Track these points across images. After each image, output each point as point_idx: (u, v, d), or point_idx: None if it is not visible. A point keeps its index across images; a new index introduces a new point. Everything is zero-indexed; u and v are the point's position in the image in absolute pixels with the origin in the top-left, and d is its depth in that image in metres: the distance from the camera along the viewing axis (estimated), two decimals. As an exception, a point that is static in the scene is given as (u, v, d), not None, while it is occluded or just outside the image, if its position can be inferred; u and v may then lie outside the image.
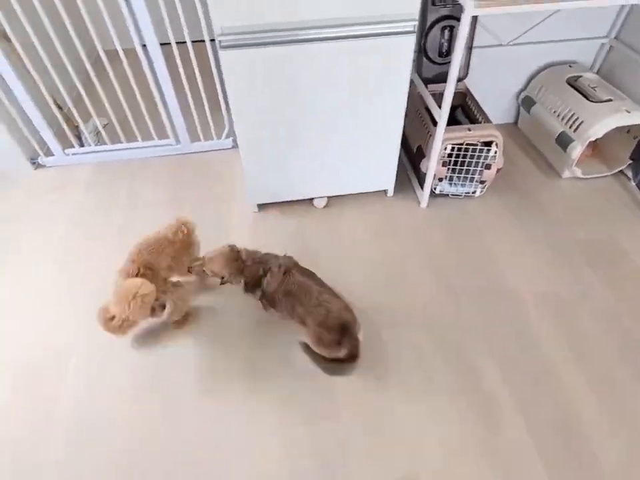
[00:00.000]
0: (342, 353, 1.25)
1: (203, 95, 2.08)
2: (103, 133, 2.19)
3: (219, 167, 2.22)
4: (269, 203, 1.95)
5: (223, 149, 2.31)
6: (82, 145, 2.25)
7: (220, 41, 1.32)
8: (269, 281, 1.36)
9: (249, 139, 1.65)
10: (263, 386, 1.40)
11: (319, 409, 1.35)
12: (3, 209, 2.02)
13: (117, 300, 1.28)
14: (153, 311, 1.39)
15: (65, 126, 2.15)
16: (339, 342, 1.25)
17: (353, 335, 1.27)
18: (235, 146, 2.30)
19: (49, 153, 2.22)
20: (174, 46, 1.88)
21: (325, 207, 1.96)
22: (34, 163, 2.23)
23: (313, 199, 1.95)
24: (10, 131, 2.07)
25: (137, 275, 1.32)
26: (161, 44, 1.89)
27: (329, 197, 1.96)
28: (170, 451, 1.27)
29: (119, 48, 1.87)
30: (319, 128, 1.65)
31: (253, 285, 1.40)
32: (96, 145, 2.23)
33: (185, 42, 1.87)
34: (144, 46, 1.88)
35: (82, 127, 2.20)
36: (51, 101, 2.06)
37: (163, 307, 1.43)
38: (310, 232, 1.87)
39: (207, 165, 2.24)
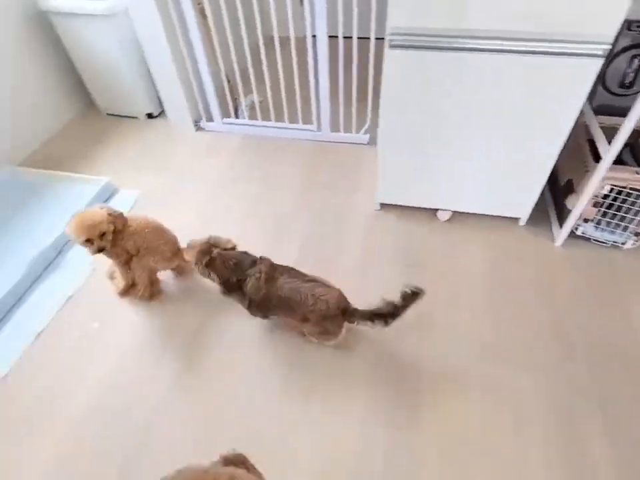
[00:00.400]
0: (343, 333, 1.40)
1: (354, 90, 2.15)
2: (258, 108, 2.40)
3: (351, 160, 2.28)
4: (392, 204, 1.96)
5: (359, 144, 2.37)
6: (237, 117, 2.50)
7: (390, 40, 1.36)
8: (255, 288, 1.35)
9: (390, 137, 1.67)
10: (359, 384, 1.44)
11: (403, 414, 1.34)
12: (174, 160, 2.37)
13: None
14: None
15: (228, 97, 2.41)
16: (340, 327, 1.38)
17: (351, 311, 1.36)
18: (371, 142, 2.35)
19: (209, 118, 2.51)
20: (340, 39, 1.98)
21: (447, 220, 1.91)
22: (196, 125, 2.55)
23: (437, 209, 1.91)
24: (185, 94, 2.40)
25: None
26: (329, 36, 2.00)
27: (453, 211, 1.90)
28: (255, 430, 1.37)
29: (292, 35, 2.03)
30: (466, 140, 1.60)
31: (229, 289, 1.40)
32: (249, 118, 2.46)
33: (351, 37, 1.95)
34: (313, 36, 2.01)
35: (241, 99, 2.44)
36: (222, 73, 2.33)
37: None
38: (425, 242, 1.84)
39: (341, 156, 2.32)
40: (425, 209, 1.93)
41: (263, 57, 2.16)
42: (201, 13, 2.16)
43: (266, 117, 2.42)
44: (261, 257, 1.43)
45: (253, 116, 2.47)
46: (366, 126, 2.30)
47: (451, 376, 1.42)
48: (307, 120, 2.36)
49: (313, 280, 1.37)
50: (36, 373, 1.50)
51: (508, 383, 1.39)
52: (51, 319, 1.65)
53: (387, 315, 1.30)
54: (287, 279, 1.37)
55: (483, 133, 1.57)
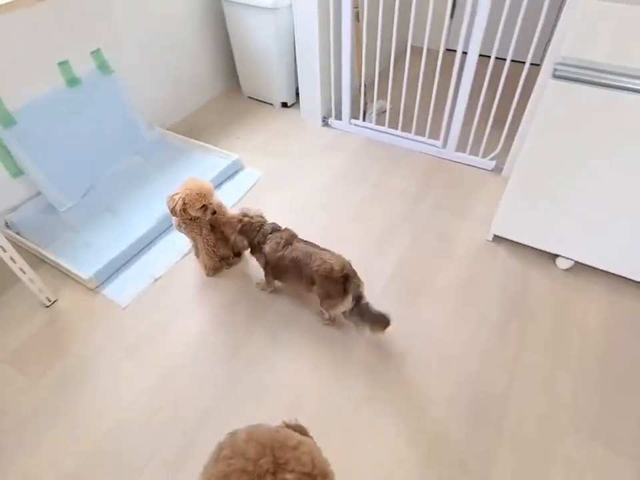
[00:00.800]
0: (348, 301, 1.42)
1: (492, 113, 2.07)
2: (387, 115, 2.42)
3: (470, 183, 2.20)
4: (506, 238, 1.85)
5: (482, 168, 2.27)
6: (364, 119, 2.55)
7: (556, 69, 1.28)
8: (273, 249, 1.52)
9: (528, 169, 1.57)
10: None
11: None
12: (297, 149, 2.50)
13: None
14: None
15: (362, 99, 2.47)
16: (344, 291, 1.40)
17: (355, 282, 1.41)
18: (496, 170, 2.24)
19: (338, 117, 2.60)
20: (492, 60, 1.91)
21: (567, 269, 1.75)
22: (324, 121, 2.65)
23: (557, 255, 1.76)
24: (322, 90, 2.51)
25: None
26: (480, 55, 1.95)
27: (577, 262, 1.73)
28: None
29: (441, 47, 2.01)
30: (613, 190, 1.45)
31: (253, 250, 1.61)
32: (375, 123, 2.50)
33: (504, 59, 1.87)
34: (464, 53, 1.96)
35: (373, 104, 2.47)
36: (363, 76, 2.39)
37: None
38: (536, 288, 1.70)
39: (460, 177, 2.25)
40: (543, 251, 1.79)
41: (406, 63, 2.16)
42: (356, 17, 2.24)
43: (393, 125, 2.43)
44: (285, 228, 1.60)
45: (380, 121, 2.49)
46: (495, 152, 2.20)
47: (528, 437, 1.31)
48: (433, 134, 2.32)
49: (326, 250, 1.48)
50: (147, 311, 1.70)
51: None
52: (167, 270, 1.85)
53: (363, 310, 1.41)
54: (302, 244, 1.51)
55: (637, 187, 1.41)
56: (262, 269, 1.66)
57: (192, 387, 1.47)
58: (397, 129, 2.42)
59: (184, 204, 1.55)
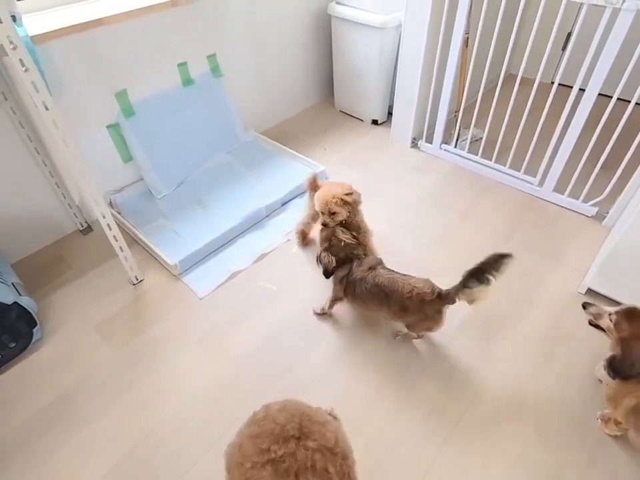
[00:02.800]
0: (443, 321, 1.43)
1: (603, 157, 1.91)
2: (482, 143, 2.33)
3: (565, 228, 2.05)
4: (601, 294, 1.69)
5: (580, 213, 2.11)
6: (456, 146, 2.48)
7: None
8: (355, 270, 1.51)
9: (636, 220, 1.43)
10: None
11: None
12: (383, 167, 2.50)
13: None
14: None
15: (458, 125, 2.41)
16: (440, 311, 1.41)
17: (450, 299, 1.36)
18: (597, 217, 2.07)
19: (429, 140, 2.55)
20: (613, 101, 1.77)
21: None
22: (414, 143, 2.62)
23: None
24: (416, 112, 2.48)
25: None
26: (599, 94, 1.81)
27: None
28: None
29: (556, 81, 1.90)
30: None
31: (337, 264, 1.54)
32: (467, 151, 2.42)
33: (629, 100, 1.73)
34: (581, 90, 1.84)
35: (469, 131, 2.40)
36: (464, 101, 2.33)
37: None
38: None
39: (553, 220, 2.10)
40: (644, 314, 1.61)
41: (513, 93, 2.07)
42: (465, 42, 2.19)
43: (486, 155, 2.34)
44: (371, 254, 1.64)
45: (472, 150, 2.41)
46: (600, 198, 2.02)
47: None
48: (530, 171, 2.20)
49: (408, 275, 1.46)
50: (223, 304, 1.78)
51: None
52: (246, 267, 1.92)
53: (476, 271, 1.28)
54: (385, 270, 1.49)
55: None
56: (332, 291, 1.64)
57: (254, 387, 1.50)
58: (490, 159, 2.33)
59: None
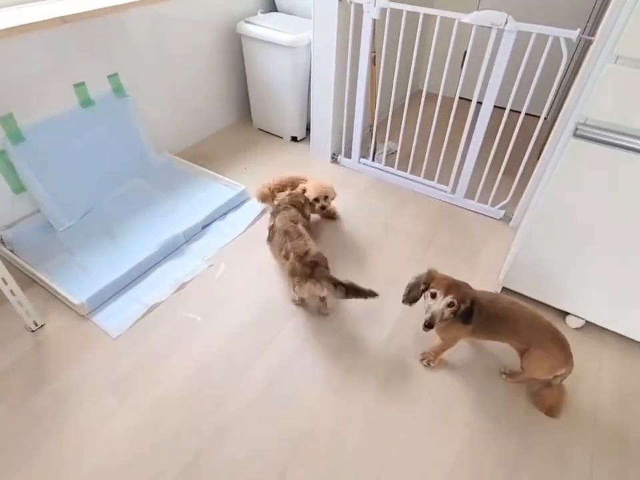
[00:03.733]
0: (310, 283, 1.54)
1: (504, 164, 2.07)
2: (397, 157, 2.42)
3: (478, 231, 2.18)
4: (515, 291, 1.80)
5: (490, 217, 2.26)
6: (373, 159, 2.55)
7: (577, 129, 1.27)
8: (278, 220, 1.78)
9: (541, 223, 1.54)
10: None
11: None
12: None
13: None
14: None
15: (374, 139, 2.48)
16: (309, 275, 1.53)
17: (322, 271, 1.55)
18: (504, 219, 2.23)
19: (347, 155, 2.60)
20: (506, 112, 1.92)
21: (576, 329, 1.70)
22: (333, 158, 2.65)
23: (567, 313, 1.71)
24: (333, 127, 2.52)
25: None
26: (495, 106, 1.96)
27: (587, 321, 1.68)
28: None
29: (456, 96, 2.03)
30: (632, 248, 1.42)
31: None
32: (384, 164, 2.50)
33: (519, 111, 1.89)
34: (479, 103, 1.98)
35: (384, 145, 2.48)
36: (376, 116, 2.41)
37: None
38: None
39: (467, 224, 2.23)
40: (552, 307, 1.74)
41: (420, 107, 2.18)
42: (372, 60, 2.28)
43: (402, 167, 2.43)
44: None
45: (389, 162, 2.49)
46: (504, 202, 2.18)
47: None
48: (442, 180, 2.32)
49: (313, 239, 1.74)
50: (140, 342, 1.62)
51: None
52: (165, 298, 1.78)
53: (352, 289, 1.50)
54: (301, 226, 1.75)
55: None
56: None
57: (180, 433, 1.37)
58: (406, 171, 2.42)
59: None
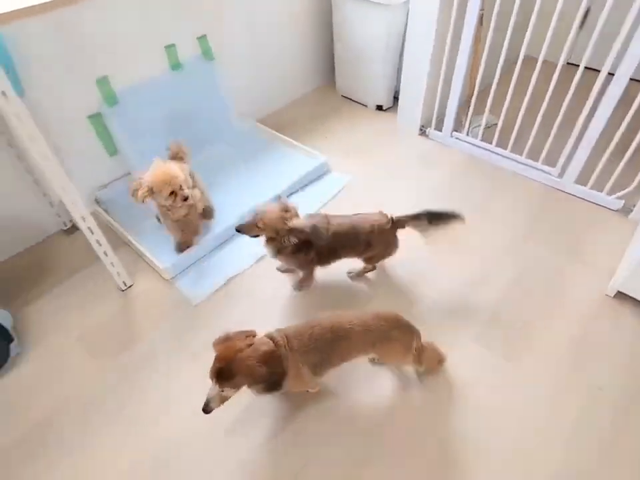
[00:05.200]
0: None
1: (632, 147, 1.75)
2: (497, 132, 2.16)
3: (587, 223, 1.90)
4: (632, 297, 1.55)
5: (603, 206, 1.96)
6: (468, 134, 2.31)
7: None
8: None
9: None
10: None
11: None
12: (389, 157, 2.32)
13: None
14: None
15: (470, 112, 2.23)
16: (395, 235, 1.57)
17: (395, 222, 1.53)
18: (623, 211, 1.92)
19: (438, 127, 2.37)
20: (646, 85, 1.60)
21: None
22: (422, 130, 2.44)
23: (701, 331, 1.44)
24: (425, 97, 2.30)
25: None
26: (631, 79, 1.64)
27: None
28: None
29: (582, 64, 1.73)
30: None
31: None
32: (480, 139, 2.25)
33: (664, 84, 1.56)
34: (610, 74, 1.67)
35: (483, 118, 2.22)
36: (477, 87, 2.15)
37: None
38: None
39: (575, 213, 1.95)
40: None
41: (534, 77, 1.89)
42: (479, 19, 2.00)
43: (501, 144, 2.17)
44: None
45: (486, 138, 2.24)
46: (625, 191, 1.87)
47: None
48: (549, 161, 2.03)
49: (357, 214, 1.57)
50: (219, 310, 1.63)
51: None
52: (244, 270, 1.77)
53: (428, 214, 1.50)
54: (339, 219, 1.53)
55: None
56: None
57: (247, 410, 1.37)
58: (505, 148, 2.16)
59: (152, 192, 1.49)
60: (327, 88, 2.88)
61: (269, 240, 1.46)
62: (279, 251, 1.48)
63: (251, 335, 1.14)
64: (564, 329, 1.52)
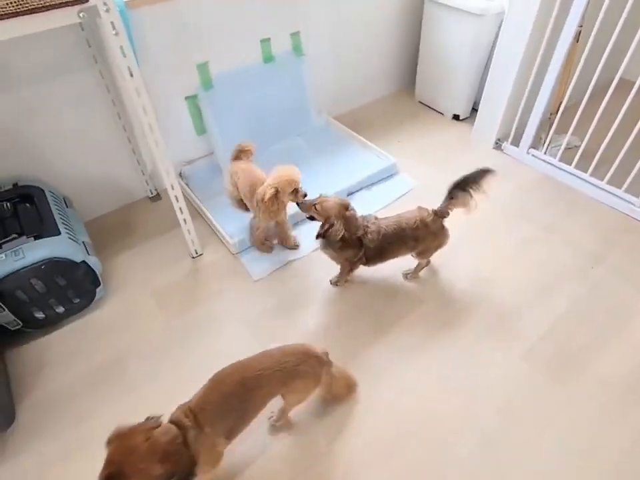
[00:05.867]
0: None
1: None
2: (578, 153, 2.08)
3: (668, 259, 1.78)
4: None
5: (689, 245, 1.82)
6: (545, 152, 2.24)
7: None
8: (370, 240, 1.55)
9: None
10: None
11: None
12: (461, 167, 2.30)
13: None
14: None
15: (551, 129, 2.16)
16: (442, 226, 1.60)
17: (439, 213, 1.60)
18: None
19: (515, 143, 2.32)
20: None
21: None
22: (497, 144, 2.40)
23: None
24: (506, 110, 2.26)
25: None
26: None
27: None
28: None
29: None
30: None
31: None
32: (559, 159, 2.17)
33: None
34: None
35: (566, 137, 2.14)
36: (563, 103, 2.08)
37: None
38: None
39: (653, 248, 1.84)
40: None
41: (628, 100, 1.81)
42: (576, 36, 1.94)
43: (581, 166, 2.08)
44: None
45: (565, 159, 2.16)
46: None
47: None
48: (633, 189, 1.93)
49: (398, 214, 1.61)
50: (276, 288, 1.74)
51: None
52: (302, 256, 1.87)
53: (459, 183, 1.55)
54: (384, 221, 1.58)
55: None
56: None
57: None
58: (585, 172, 2.07)
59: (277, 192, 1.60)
60: (405, 92, 2.91)
61: (322, 228, 1.51)
62: (329, 243, 1.54)
63: (151, 426, 0.95)
64: (618, 364, 1.45)
